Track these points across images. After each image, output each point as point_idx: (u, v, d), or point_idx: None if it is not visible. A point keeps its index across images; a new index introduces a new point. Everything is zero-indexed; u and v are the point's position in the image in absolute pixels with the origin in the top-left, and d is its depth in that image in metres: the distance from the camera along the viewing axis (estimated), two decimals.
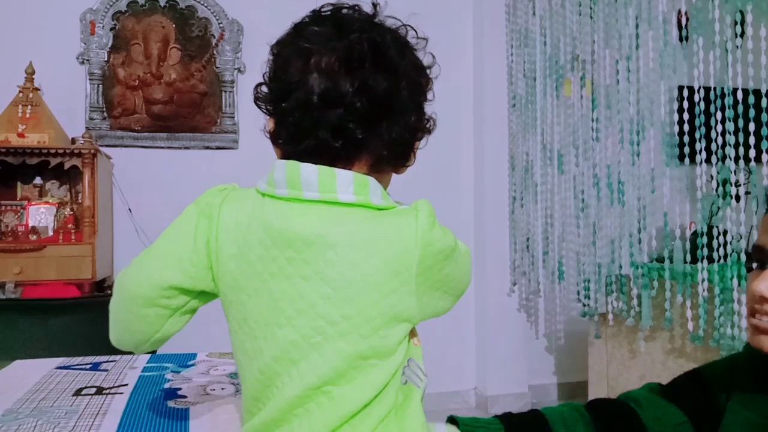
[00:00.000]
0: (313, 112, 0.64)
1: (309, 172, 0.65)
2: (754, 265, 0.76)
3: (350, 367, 0.63)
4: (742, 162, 1.96)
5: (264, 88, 0.70)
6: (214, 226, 0.68)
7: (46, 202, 2.77)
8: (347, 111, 0.64)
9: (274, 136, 0.69)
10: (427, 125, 0.72)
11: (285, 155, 0.69)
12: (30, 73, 2.74)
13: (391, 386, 0.65)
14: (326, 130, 0.64)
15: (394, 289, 0.64)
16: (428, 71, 0.71)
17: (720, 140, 2.03)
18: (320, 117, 0.64)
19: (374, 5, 0.70)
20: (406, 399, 0.67)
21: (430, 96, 0.71)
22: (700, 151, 2.10)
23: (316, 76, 0.64)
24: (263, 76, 0.70)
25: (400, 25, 0.70)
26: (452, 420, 0.83)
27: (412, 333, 0.70)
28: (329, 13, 0.68)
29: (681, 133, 2.19)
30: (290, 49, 0.67)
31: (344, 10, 0.68)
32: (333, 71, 0.64)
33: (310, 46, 0.65)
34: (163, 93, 3.08)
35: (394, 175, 0.74)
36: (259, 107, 0.71)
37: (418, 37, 0.71)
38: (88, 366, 1.26)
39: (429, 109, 0.72)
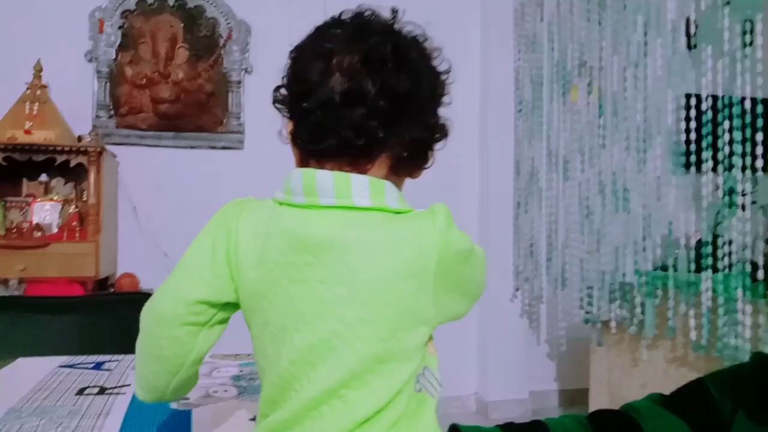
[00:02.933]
0: (335, 111, 0.65)
1: (324, 178, 0.65)
2: None
3: (366, 370, 0.63)
4: (748, 171, 1.95)
5: (283, 91, 0.70)
6: (233, 236, 0.68)
7: (51, 200, 2.77)
8: (370, 110, 0.64)
9: (294, 136, 0.70)
10: (444, 129, 0.73)
11: (304, 155, 0.69)
12: (38, 71, 2.75)
13: (404, 392, 0.65)
14: (349, 128, 0.65)
15: (412, 291, 0.64)
16: (444, 77, 0.72)
17: (727, 149, 2.02)
18: (342, 115, 0.65)
19: (393, 11, 0.71)
20: (419, 407, 0.67)
21: (446, 100, 0.73)
22: (707, 160, 2.09)
23: (338, 76, 0.65)
24: (282, 79, 0.70)
25: (419, 33, 0.72)
26: (455, 428, 0.83)
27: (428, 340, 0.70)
28: (350, 18, 0.70)
29: (687, 142, 2.18)
30: (311, 51, 0.68)
31: (365, 14, 0.70)
32: (355, 71, 0.65)
33: (332, 47, 0.66)
34: (170, 92, 3.09)
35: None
36: (279, 110, 0.71)
37: (432, 48, 0.72)
38: (91, 365, 1.26)
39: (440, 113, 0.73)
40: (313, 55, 0.67)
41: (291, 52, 0.70)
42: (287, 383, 0.65)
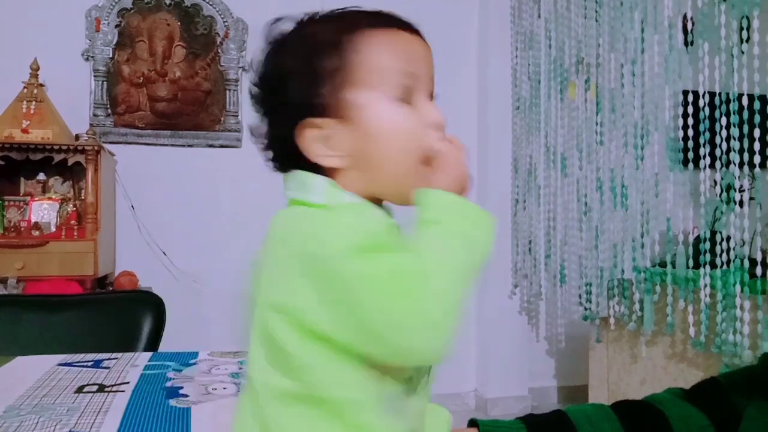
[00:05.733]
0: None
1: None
2: None
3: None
4: (746, 168, 1.95)
5: None
6: None
7: (49, 198, 2.77)
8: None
9: None
10: (304, 108, 0.61)
11: None
12: (35, 69, 2.74)
13: None
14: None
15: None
16: (333, 48, 0.60)
17: (724, 146, 2.03)
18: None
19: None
20: None
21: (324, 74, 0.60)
22: (704, 156, 2.09)
23: None
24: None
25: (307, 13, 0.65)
26: (473, 423, 0.83)
27: None
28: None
29: (685, 138, 2.18)
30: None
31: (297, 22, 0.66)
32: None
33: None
34: (168, 90, 3.09)
35: None
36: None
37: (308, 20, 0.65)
38: (89, 363, 1.26)
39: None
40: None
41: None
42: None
